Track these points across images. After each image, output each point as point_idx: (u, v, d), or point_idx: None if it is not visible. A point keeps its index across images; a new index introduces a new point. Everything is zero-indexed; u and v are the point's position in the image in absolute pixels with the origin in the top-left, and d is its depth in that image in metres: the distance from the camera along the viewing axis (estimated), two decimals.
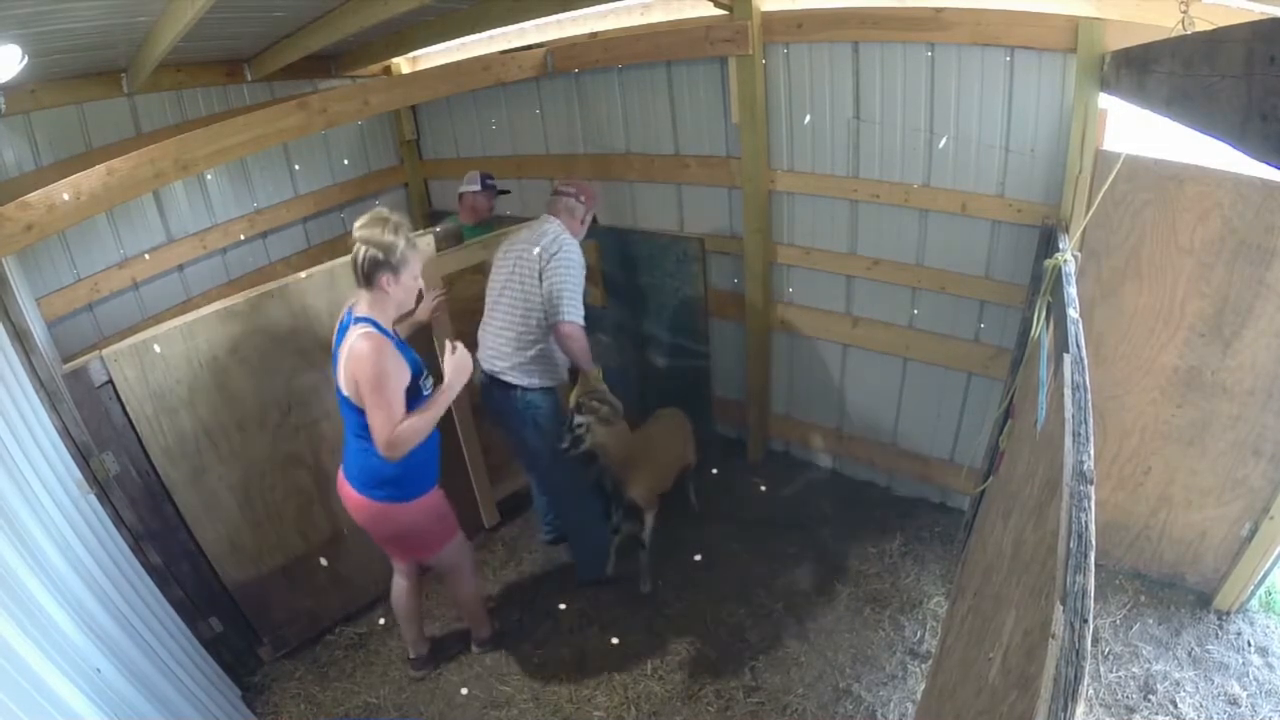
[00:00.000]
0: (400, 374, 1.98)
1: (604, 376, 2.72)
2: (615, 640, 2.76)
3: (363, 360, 1.92)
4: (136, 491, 2.32)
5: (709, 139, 3.27)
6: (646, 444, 2.93)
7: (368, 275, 1.97)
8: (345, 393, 2.01)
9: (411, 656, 2.69)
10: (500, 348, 2.61)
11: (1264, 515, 2.47)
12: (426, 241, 2.79)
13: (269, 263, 4.02)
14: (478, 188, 3.55)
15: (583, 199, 2.65)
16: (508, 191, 3.74)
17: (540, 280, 2.49)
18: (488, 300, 2.68)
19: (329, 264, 2.62)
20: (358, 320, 2.00)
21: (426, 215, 4.72)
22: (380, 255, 1.95)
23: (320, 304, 2.59)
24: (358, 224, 1.98)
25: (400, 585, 2.52)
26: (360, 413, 1.98)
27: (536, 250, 2.51)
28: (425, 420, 2.02)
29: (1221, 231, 2.24)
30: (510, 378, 2.60)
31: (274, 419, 2.59)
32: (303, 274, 2.57)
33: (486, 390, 2.70)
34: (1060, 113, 2.39)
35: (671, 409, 3.26)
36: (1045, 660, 0.89)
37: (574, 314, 2.49)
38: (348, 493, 2.20)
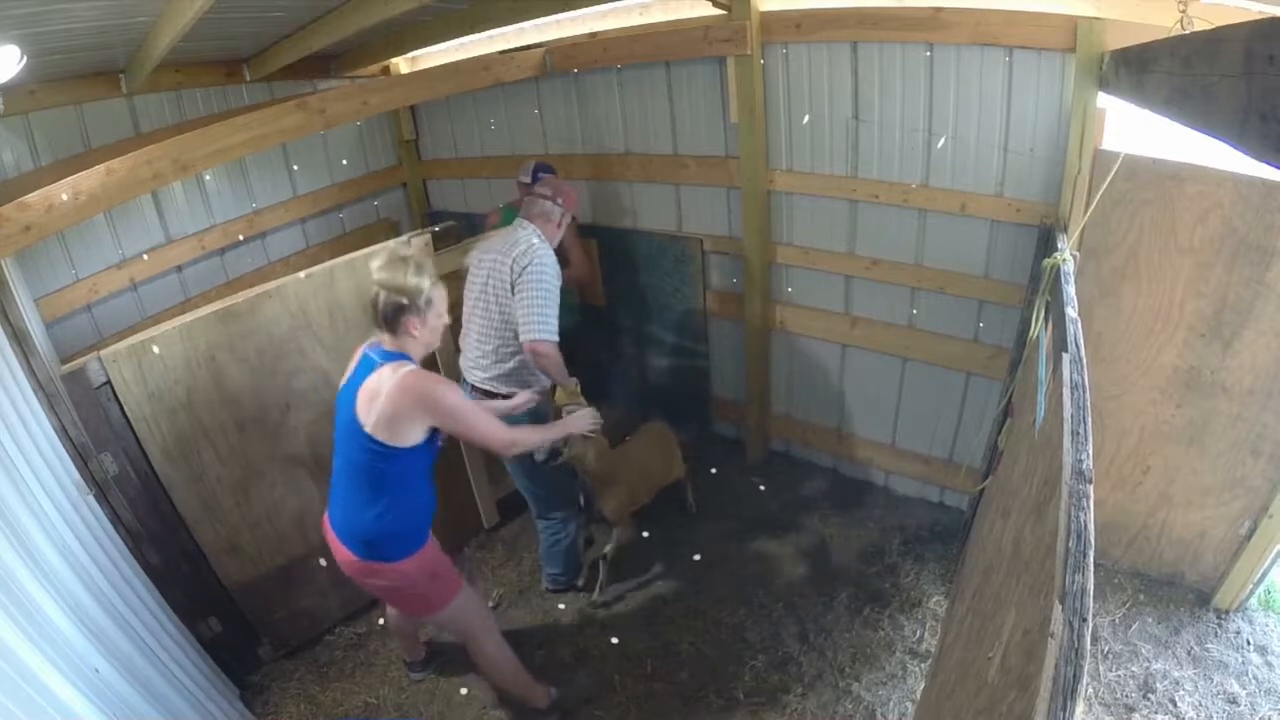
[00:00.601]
0: (462, 396, 1.95)
1: (604, 378, 2.72)
2: (615, 640, 2.76)
3: (426, 395, 1.82)
4: (135, 492, 2.32)
5: (708, 139, 3.27)
6: (625, 460, 2.84)
7: (389, 320, 1.85)
8: (369, 429, 1.80)
9: (408, 661, 2.70)
10: (479, 360, 2.57)
11: (1263, 514, 2.47)
12: (423, 241, 2.79)
13: (268, 263, 4.01)
14: (528, 180, 3.29)
15: (559, 201, 2.55)
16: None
17: (513, 293, 2.41)
18: (464, 309, 2.60)
19: (328, 264, 2.62)
20: (390, 356, 1.85)
21: (425, 215, 4.72)
22: (404, 301, 1.83)
23: (319, 304, 2.59)
24: (376, 265, 1.84)
25: (390, 612, 2.49)
26: (373, 454, 1.82)
27: (509, 262, 2.41)
28: (538, 434, 2.21)
29: (1221, 231, 2.24)
30: (490, 387, 2.56)
31: (273, 419, 2.58)
32: (301, 274, 2.56)
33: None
34: (1059, 112, 2.39)
35: (656, 424, 3.19)
36: (1044, 659, 0.89)
37: (544, 331, 2.38)
38: (333, 541, 2.02)
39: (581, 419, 2.34)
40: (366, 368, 1.87)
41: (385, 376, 1.81)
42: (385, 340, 1.90)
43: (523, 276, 2.39)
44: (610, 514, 2.83)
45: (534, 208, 2.54)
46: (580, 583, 3.01)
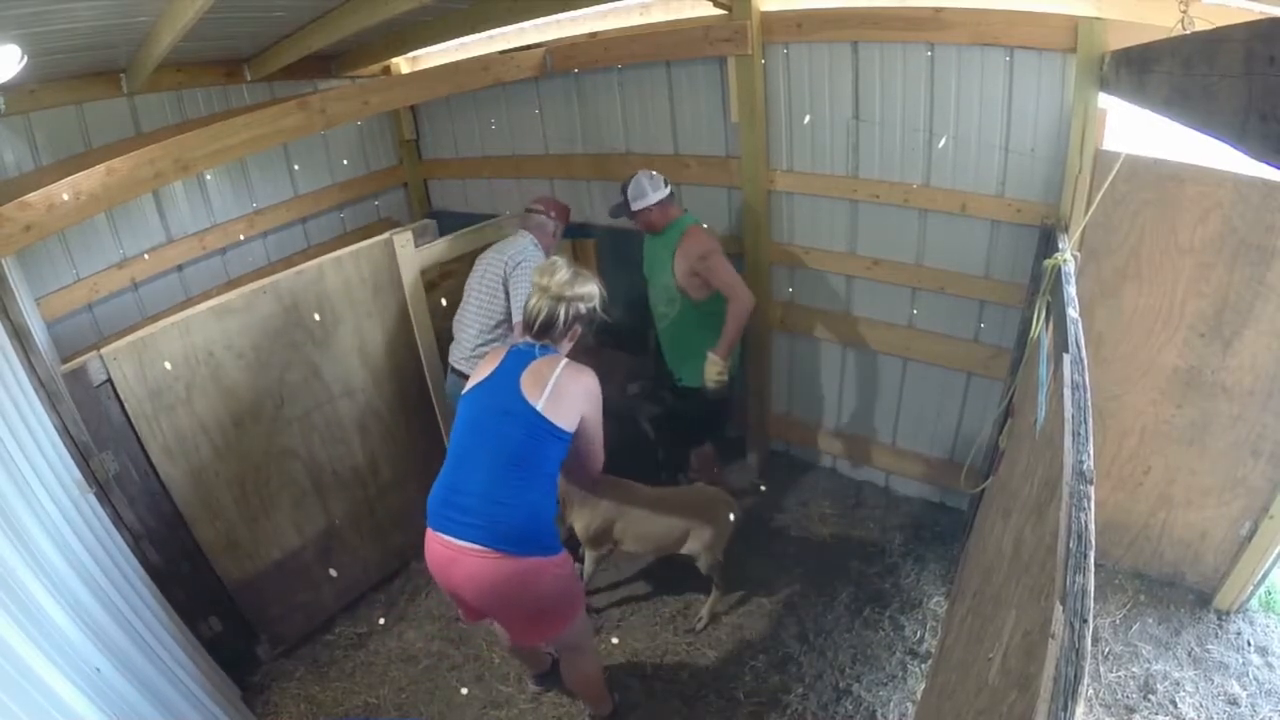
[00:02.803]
0: None
1: (602, 378, 2.72)
2: (615, 640, 2.77)
3: (594, 390, 1.98)
4: (136, 490, 2.33)
5: (708, 139, 3.27)
6: (620, 491, 2.63)
7: (566, 325, 1.98)
8: (540, 406, 1.85)
9: (533, 674, 2.59)
10: (464, 343, 2.84)
11: (1264, 515, 2.47)
12: (405, 239, 2.86)
13: (268, 263, 4.01)
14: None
15: (553, 214, 2.92)
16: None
17: (503, 288, 2.72)
18: (463, 299, 2.90)
19: (318, 260, 2.69)
20: (549, 350, 1.97)
21: (426, 216, 4.71)
22: (591, 307, 2.02)
23: (310, 299, 2.65)
24: (561, 278, 1.95)
25: (505, 634, 2.30)
26: (560, 443, 1.90)
27: (503, 260, 2.74)
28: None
29: (1221, 231, 2.24)
30: (462, 366, 2.81)
31: (268, 412, 2.62)
32: (293, 270, 2.62)
33: (454, 384, 2.86)
34: (1060, 112, 2.39)
35: (711, 491, 2.78)
36: (1045, 660, 0.89)
37: None
38: (475, 562, 1.83)
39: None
40: (524, 357, 1.95)
41: (553, 364, 1.93)
42: (537, 342, 2.00)
43: (515, 273, 2.70)
44: (578, 530, 2.64)
45: (531, 220, 2.90)
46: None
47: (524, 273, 2.67)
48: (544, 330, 1.97)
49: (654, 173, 2.84)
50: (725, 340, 2.70)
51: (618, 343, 3.54)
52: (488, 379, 1.96)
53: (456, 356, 2.87)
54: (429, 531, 1.93)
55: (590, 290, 2.01)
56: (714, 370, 2.73)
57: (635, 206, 2.82)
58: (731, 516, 2.70)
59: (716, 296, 2.76)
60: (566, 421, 1.90)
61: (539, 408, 1.86)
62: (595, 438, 2.06)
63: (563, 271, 1.98)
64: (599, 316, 2.07)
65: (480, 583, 1.85)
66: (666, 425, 3.28)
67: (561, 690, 2.58)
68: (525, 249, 2.77)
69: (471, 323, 2.82)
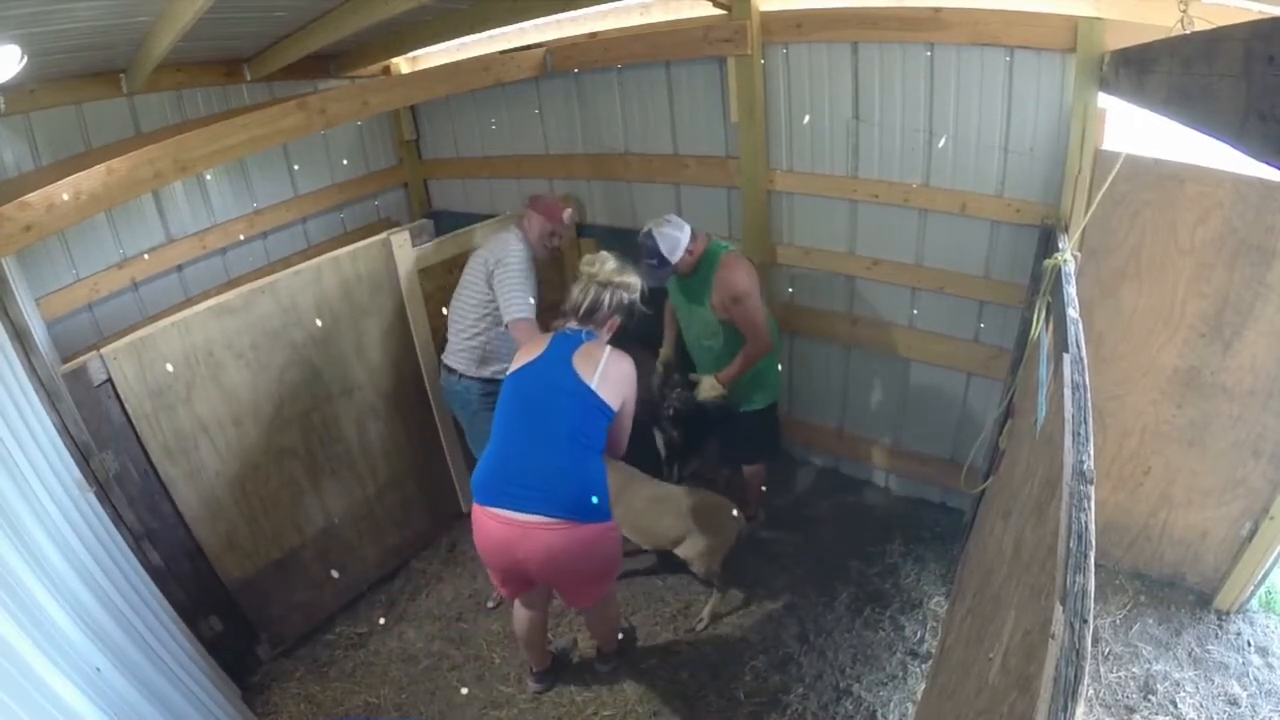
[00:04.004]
0: None
1: None
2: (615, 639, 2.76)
3: (635, 378, 2.11)
4: (136, 490, 2.33)
5: (708, 139, 3.26)
6: (625, 479, 2.66)
7: (611, 311, 2.12)
8: (594, 385, 1.99)
9: (534, 670, 2.59)
10: (453, 338, 2.87)
11: (1264, 515, 2.47)
12: (402, 239, 2.87)
13: (268, 263, 4.01)
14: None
15: (538, 211, 2.86)
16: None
17: (487, 285, 2.72)
18: (455, 294, 2.90)
19: (316, 260, 2.71)
20: (594, 336, 2.10)
21: (425, 216, 4.71)
22: (626, 299, 2.13)
23: (308, 299, 2.66)
24: (609, 267, 2.13)
25: (527, 616, 2.38)
26: (607, 418, 2.02)
27: (486, 256, 2.75)
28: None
29: (1221, 231, 2.24)
30: (451, 361, 2.85)
31: (267, 412, 2.63)
32: (291, 270, 2.64)
33: (446, 380, 2.92)
34: (1059, 113, 2.39)
35: (714, 501, 2.72)
36: (1045, 660, 0.89)
37: (518, 311, 2.63)
38: (542, 534, 1.91)
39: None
40: (571, 342, 2.07)
41: (600, 347, 2.06)
42: (585, 326, 2.12)
43: (497, 269, 2.69)
44: None
45: (521, 217, 2.91)
46: None
47: (506, 270, 2.67)
48: (589, 315, 2.11)
49: (668, 217, 2.67)
50: (730, 372, 2.71)
51: (645, 343, 3.45)
52: (537, 360, 2.07)
53: (446, 351, 2.90)
54: (481, 509, 1.99)
55: (634, 281, 2.16)
56: (713, 391, 2.76)
57: (677, 258, 2.62)
58: (734, 531, 2.69)
59: None
60: (614, 401, 2.03)
61: (593, 385, 1.98)
62: (628, 422, 2.16)
63: (611, 262, 2.15)
64: (639, 309, 2.18)
65: (552, 552, 1.93)
66: (683, 436, 3.25)
67: (561, 690, 2.59)
68: (508, 246, 2.75)
69: (460, 318, 2.84)
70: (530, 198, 2.96)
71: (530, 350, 2.12)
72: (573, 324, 2.13)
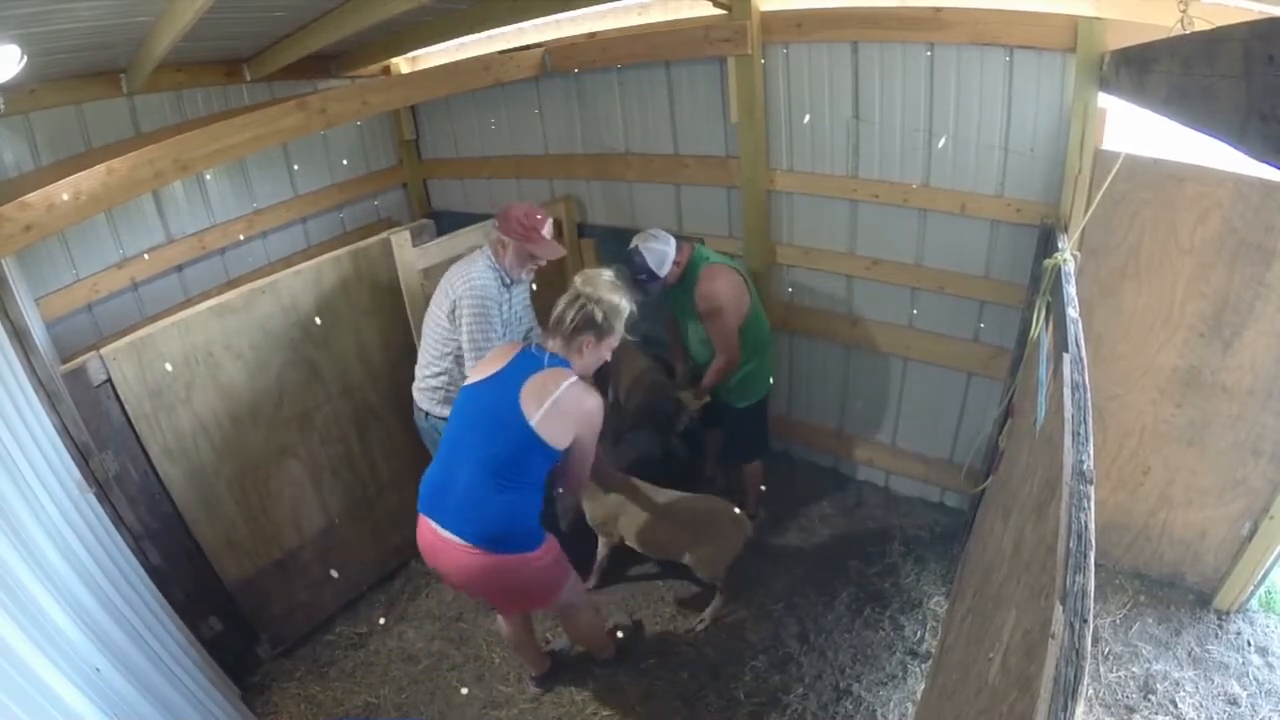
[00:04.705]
0: None
1: (602, 379, 2.73)
2: (617, 638, 2.76)
3: (595, 415, 1.94)
4: (135, 490, 2.33)
5: (708, 139, 3.26)
6: (626, 488, 2.69)
7: (576, 330, 1.94)
8: (534, 422, 1.84)
9: (534, 675, 2.59)
10: (417, 370, 2.62)
11: (1264, 515, 2.47)
12: (402, 238, 2.83)
13: (268, 263, 4.01)
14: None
15: (498, 224, 2.44)
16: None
17: (449, 318, 2.42)
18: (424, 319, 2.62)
19: (316, 260, 2.70)
20: (558, 361, 1.93)
21: (425, 216, 4.71)
22: (599, 316, 1.93)
23: (308, 299, 2.66)
24: (592, 280, 1.96)
25: (504, 621, 2.38)
26: (548, 459, 1.89)
27: (452, 286, 2.42)
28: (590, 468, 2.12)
29: (1221, 231, 2.24)
30: (418, 398, 2.63)
31: (266, 412, 2.63)
32: (291, 270, 2.63)
33: (417, 416, 2.69)
34: (1059, 112, 2.39)
35: (723, 508, 2.69)
36: (1045, 660, 0.89)
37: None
38: (445, 542, 1.93)
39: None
40: (530, 364, 1.92)
41: (558, 378, 1.88)
42: (555, 346, 1.96)
43: (461, 303, 2.38)
44: (588, 518, 2.81)
45: (491, 236, 2.49)
46: None
47: (470, 311, 2.35)
48: (554, 327, 1.96)
49: (653, 232, 2.71)
50: (706, 384, 2.85)
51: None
52: (492, 377, 1.95)
53: (415, 385, 2.64)
54: (420, 514, 2.01)
55: (613, 301, 1.95)
56: (697, 402, 2.90)
57: (665, 271, 2.68)
58: (741, 538, 2.68)
59: (745, 328, 2.76)
60: (558, 440, 1.89)
61: (533, 424, 1.84)
62: (585, 457, 2.02)
63: (604, 275, 2.00)
64: (613, 331, 1.98)
65: (461, 573, 1.97)
66: (691, 441, 3.28)
67: (561, 690, 2.59)
68: (472, 280, 2.39)
69: (425, 349, 2.56)
70: (498, 215, 2.46)
71: (491, 363, 2.00)
72: (547, 339, 2.00)
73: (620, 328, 2.00)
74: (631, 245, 2.71)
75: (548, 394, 1.86)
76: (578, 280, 2.01)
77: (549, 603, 2.20)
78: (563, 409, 1.87)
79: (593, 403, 1.94)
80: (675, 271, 2.72)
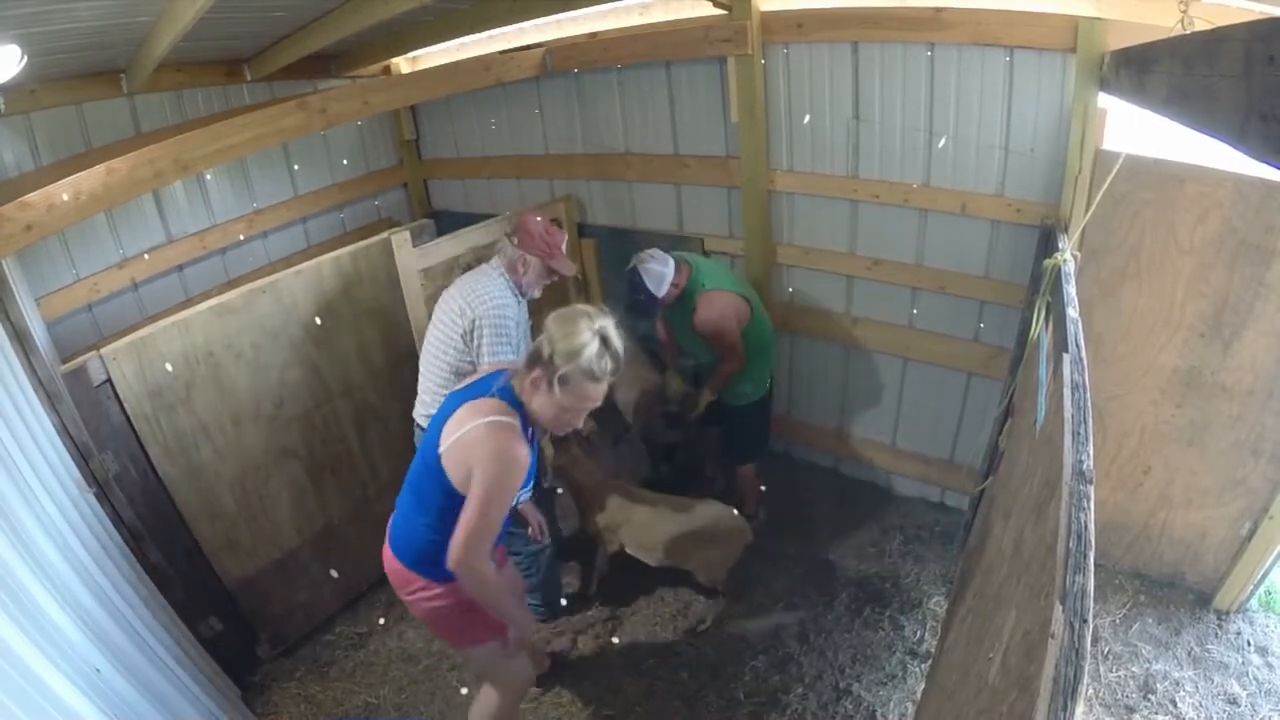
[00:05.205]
0: (516, 491, 1.69)
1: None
2: (616, 640, 2.77)
3: (489, 462, 1.61)
4: (135, 490, 2.33)
5: (708, 139, 3.26)
6: (620, 494, 2.72)
7: (526, 362, 1.68)
8: (441, 450, 1.68)
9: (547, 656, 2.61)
10: (420, 389, 2.46)
11: (1264, 515, 2.47)
12: (403, 239, 2.82)
13: (268, 263, 4.01)
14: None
15: (515, 239, 2.34)
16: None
17: (463, 340, 2.29)
18: (425, 337, 2.47)
19: (317, 260, 2.70)
20: (506, 395, 1.68)
21: (426, 215, 4.71)
22: (543, 352, 1.61)
23: (309, 299, 2.65)
24: (566, 316, 1.65)
25: None
26: (445, 494, 1.68)
27: (464, 305, 2.29)
28: (497, 598, 1.80)
29: (1221, 231, 2.24)
30: (420, 420, 2.43)
31: (267, 412, 2.62)
32: (292, 270, 2.63)
33: (419, 439, 2.39)
34: (1060, 112, 2.39)
35: (723, 514, 2.68)
36: (1045, 660, 0.89)
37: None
38: (387, 553, 1.92)
39: (516, 620, 1.94)
40: (481, 389, 1.73)
41: (484, 411, 1.65)
42: (515, 377, 1.72)
43: (480, 327, 2.26)
44: (592, 530, 2.81)
45: (505, 251, 2.37)
46: (564, 603, 2.90)
47: (491, 325, 2.23)
48: (524, 361, 1.74)
49: (651, 253, 2.71)
50: (713, 385, 2.90)
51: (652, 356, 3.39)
52: (455, 393, 1.83)
53: (416, 405, 2.46)
54: None
55: (571, 344, 1.59)
56: (704, 400, 2.95)
57: (663, 292, 2.68)
58: (742, 543, 2.68)
59: (747, 331, 2.78)
60: (454, 473, 1.67)
61: (440, 450, 1.69)
62: (469, 509, 1.64)
63: (583, 311, 1.67)
64: (566, 381, 1.61)
65: (392, 580, 1.93)
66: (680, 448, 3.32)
67: (561, 690, 2.59)
68: (496, 294, 2.28)
69: (430, 368, 2.40)
70: (515, 230, 2.37)
71: (469, 378, 1.92)
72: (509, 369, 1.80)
73: (577, 379, 1.61)
74: (630, 266, 2.74)
75: (463, 424, 1.65)
76: (562, 310, 1.73)
77: (457, 646, 2.11)
78: (468, 443, 1.64)
79: (506, 448, 1.62)
80: (673, 293, 2.74)
